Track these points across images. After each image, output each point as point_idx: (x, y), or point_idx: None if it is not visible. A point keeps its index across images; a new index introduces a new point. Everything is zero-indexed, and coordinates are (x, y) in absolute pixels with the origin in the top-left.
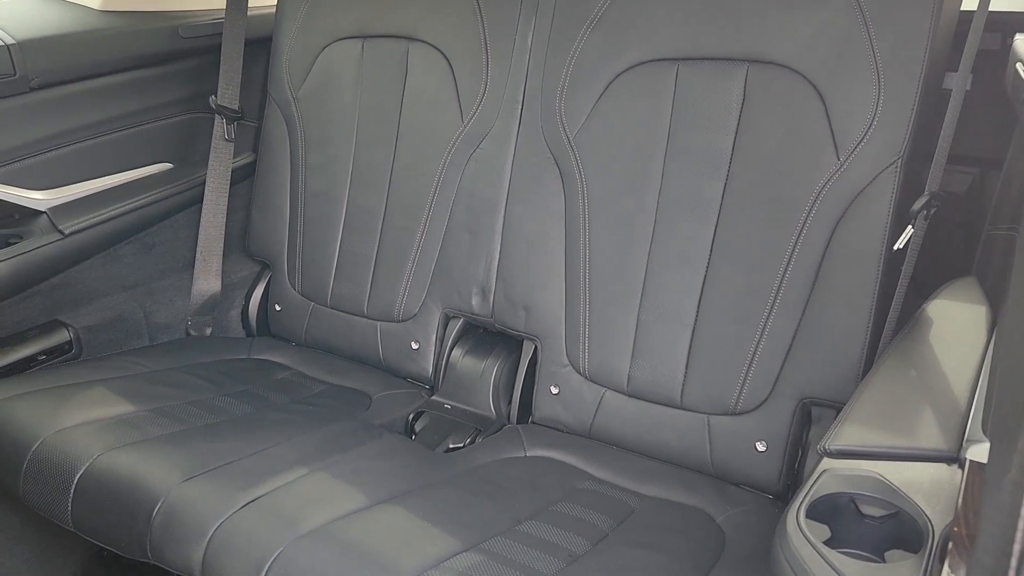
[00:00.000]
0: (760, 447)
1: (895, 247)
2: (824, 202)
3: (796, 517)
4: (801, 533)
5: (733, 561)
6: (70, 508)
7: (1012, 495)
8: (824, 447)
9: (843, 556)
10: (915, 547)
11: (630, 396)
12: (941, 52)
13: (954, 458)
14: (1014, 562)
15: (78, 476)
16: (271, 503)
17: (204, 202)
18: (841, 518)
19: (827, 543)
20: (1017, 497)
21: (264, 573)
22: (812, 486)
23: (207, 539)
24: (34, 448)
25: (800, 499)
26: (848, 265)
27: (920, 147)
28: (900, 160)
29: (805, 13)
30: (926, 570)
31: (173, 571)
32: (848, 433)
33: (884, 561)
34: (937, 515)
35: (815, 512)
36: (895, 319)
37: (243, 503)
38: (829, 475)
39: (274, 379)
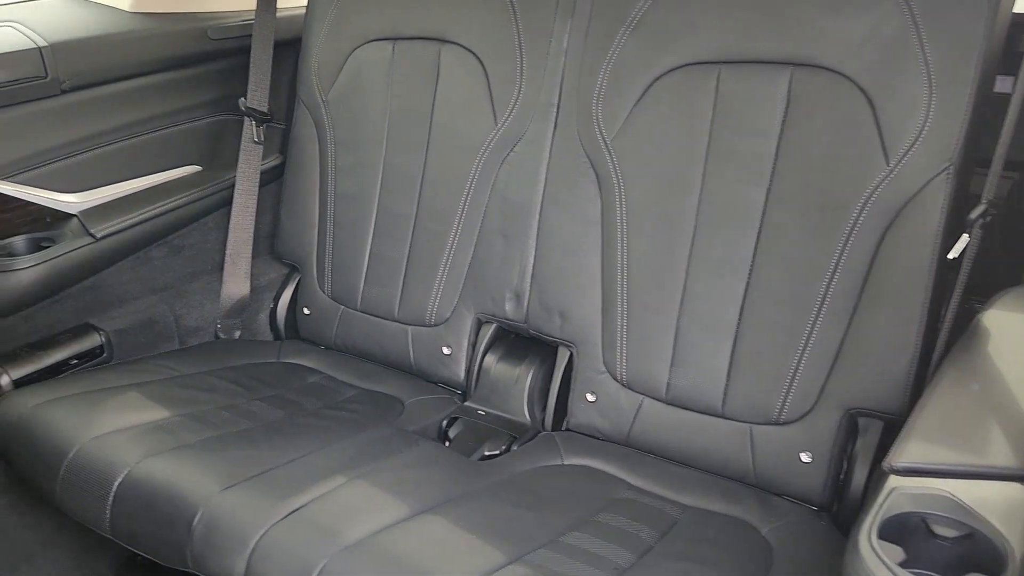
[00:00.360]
0: (805, 458)
1: (949, 256)
2: (872, 209)
3: (868, 538)
4: (876, 555)
5: (783, 575)
6: (108, 516)
7: None
8: (890, 464)
9: None
10: (993, 570)
11: (669, 404)
12: (994, 55)
13: None
14: None
15: (116, 484)
16: (312, 514)
17: (233, 204)
18: (912, 539)
19: (901, 565)
20: None
21: None
22: (881, 505)
23: (249, 550)
24: (71, 455)
25: (870, 519)
26: (897, 274)
27: (971, 153)
28: (952, 166)
29: (854, 16)
30: None
31: None
32: (914, 450)
33: None
34: (1016, 537)
35: (884, 532)
36: (948, 329)
37: (284, 514)
38: (898, 494)
39: (305, 383)
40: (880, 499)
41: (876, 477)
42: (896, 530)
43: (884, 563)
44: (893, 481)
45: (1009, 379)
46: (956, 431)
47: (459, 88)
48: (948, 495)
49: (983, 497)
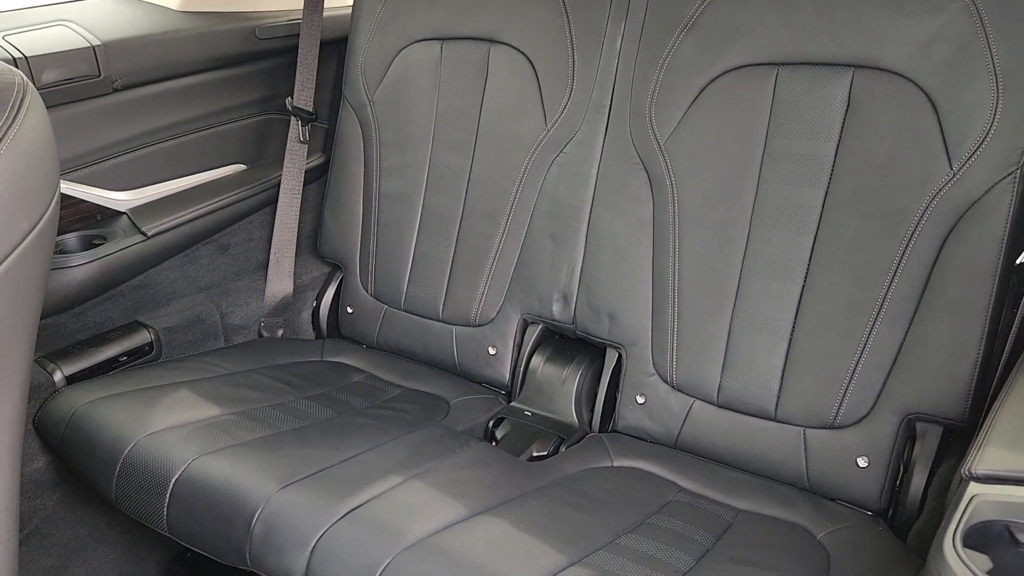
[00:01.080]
0: (861, 463)
1: (1017, 262)
2: (935, 213)
3: (953, 545)
4: (963, 564)
5: None
6: (165, 513)
7: None
8: (970, 471)
9: None
10: None
11: (720, 407)
12: None
13: None
14: None
15: (173, 481)
16: (371, 513)
17: (278, 203)
18: (996, 547)
19: (988, 574)
20: None
21: None
22: (964, 512)
23: (310, 548)
24: (127, 451)
25: (954, 526)
26: (960, 278)
27: None
28: (1019, 170)
29: (918, 18)
30: None
31: None
32: (993, 457)
33: None
34: None
35: (967, 541)
36: (1014, 336)
37: (343, 512)
38: (981, 501)
39: (350, 382)
40: (962, 506)
41: (936, 483)
42: (980, 538)
43: (973, 572)
44: (974, 488)
45: None
46: None
47: (508, 89)
48: None
49: None
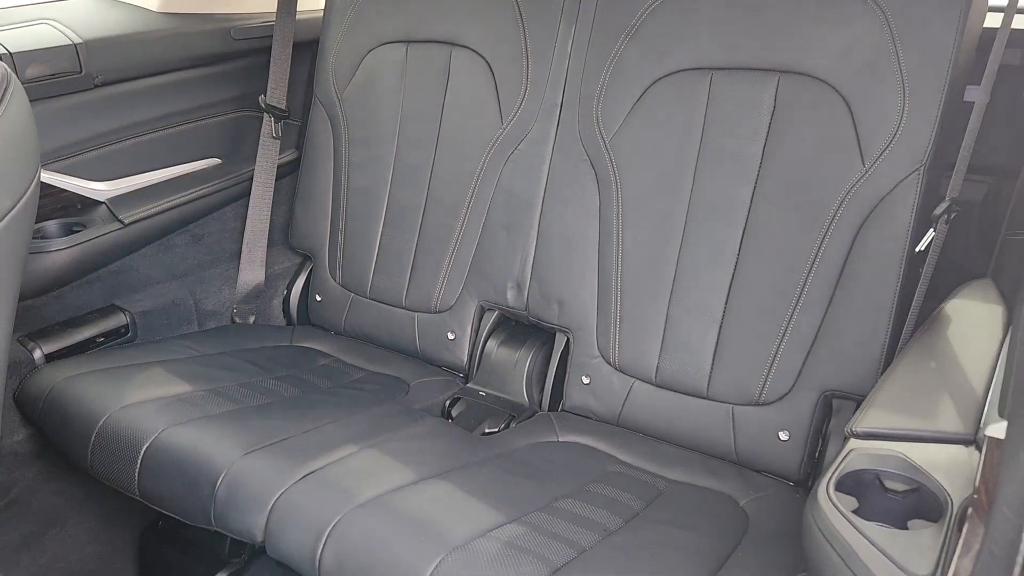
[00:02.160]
0: (783, 436)
1: (916, 249)
2: (849, 206)
3: (826, 490)
4: (831, 503)
5: (756, 539)
6: (137, 478)
7: None
8: (851, 429)
9: (870, 524)
10: (935, 519)
11: (658, 387)
12: (964, 67)
13: (971, 440)
14: None
15: (144, 448)
16: (327, 476)
17: (251, 196)
18: (867, 492)
19: (854, 513)
20: None
21: (324, 539)
22: (840, 463)
23: (269, 508)
24: (102, 422)
25: (830, 474)
26: (871, 266)
27: (941, 156)
28: (923, 167)
29: (836, 28)
30: (946, 537)
31: (236, 538)
32: (873, 417)
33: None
34: (956, 490)
35: (843, 487)
36: (915, 317)
37: (301, 475)
38: (856, 453)
39: (316, 365)
40: (839, 459)
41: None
42: (853, 485)
43: (839, 510)
44: (852, 443)
45: (962, 358)
46: (911, 402)
47: (468, 89)
48: (900, 455)
49: (931, 457)
